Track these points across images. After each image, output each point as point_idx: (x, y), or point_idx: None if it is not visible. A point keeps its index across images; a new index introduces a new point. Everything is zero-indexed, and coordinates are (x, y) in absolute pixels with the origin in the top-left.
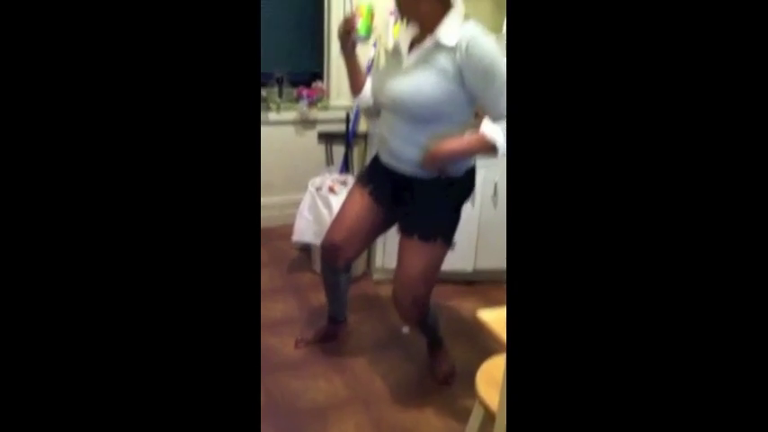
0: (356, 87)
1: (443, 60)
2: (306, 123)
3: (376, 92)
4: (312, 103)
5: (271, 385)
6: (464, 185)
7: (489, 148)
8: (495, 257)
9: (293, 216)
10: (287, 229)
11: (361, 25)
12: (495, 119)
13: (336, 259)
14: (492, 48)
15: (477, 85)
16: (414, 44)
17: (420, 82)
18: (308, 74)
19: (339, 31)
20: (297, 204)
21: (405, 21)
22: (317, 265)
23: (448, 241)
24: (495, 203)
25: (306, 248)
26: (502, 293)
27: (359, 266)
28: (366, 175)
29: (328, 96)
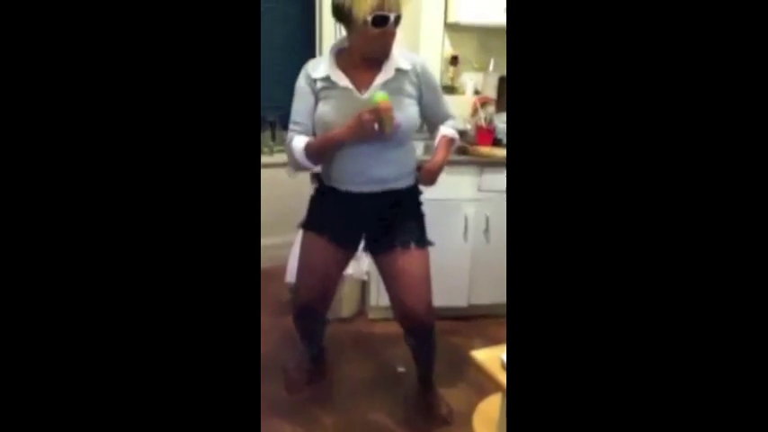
0: (324, 159)
1: (408, 86)
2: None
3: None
4: None
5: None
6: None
7: (453, 145)
8: (490, 292)
9: (285, 257)
10: (279, 271)
11: (386, 124)
12: (443, 121)
13: (309, 315)
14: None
15: (431, 100)
16: (357, 77)
17: (404, 110)
18: None
19: (371, 128)
20: (289, 245)
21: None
22: None
23: (428, 241)
24: (487, 238)
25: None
26: (497, 328)
27: (352, 307)
28: (317, 222)
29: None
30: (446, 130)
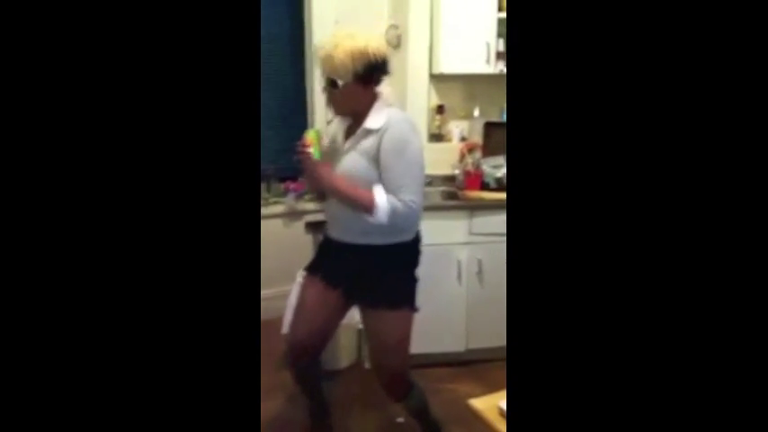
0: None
1: (368, 143)
2: (293, 215)
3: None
4: (299, 196)
5: None
6: (413, 250)
7: (368, 205)
8: (487, 336)
9: (282, 309)
10: (276, 323)
11: (314, 151)
12: (394, 192)
13: (303, 357)
14: (407, 132)
15: (385, 163)
16: (349, 133)
17: (352, 164)
18: (295, 169)
19: (295, 160)
20: (285, 297)
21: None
22: None
23: (412, 306)
24: (480, 281)
25: None
26: (497, 373)
27: (349, 357)
28: (313, 264)
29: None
30: (378, 190)
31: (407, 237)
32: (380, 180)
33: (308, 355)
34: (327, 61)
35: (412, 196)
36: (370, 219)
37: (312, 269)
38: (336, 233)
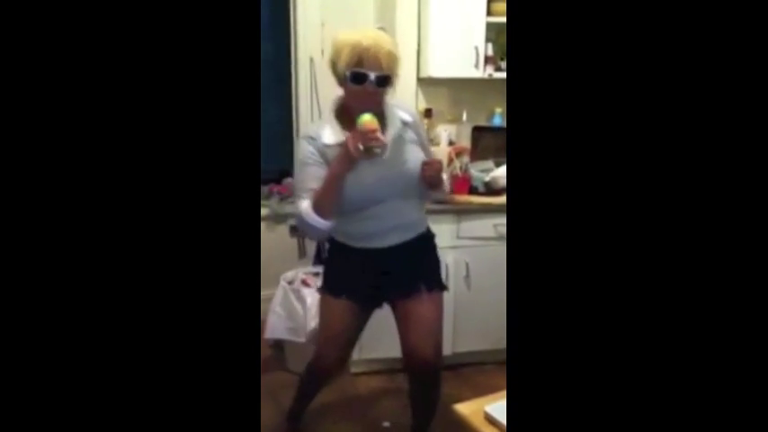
0: (333, 209)
1: (409, 134)
2: (277, 218)
3: (357, 193)
4: (283, 199)
5: None
6: (432, 232)
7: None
8: (474, 339)
9: (265, 313)
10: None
11: (372, 146)
12: None
13: (333, 375)
14: None
15: (426, 146)
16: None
17: (416, 154)
18: (278, 171)
19: (355, 149)
20: (268, 301)
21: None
22: (291, 364)
23: (445, 286)
24: (468, 284)
25: (278, 345)
26: (484, 377)
27: None
28: (333, 284)
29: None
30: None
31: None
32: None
33: (338, 373)
34: (388, 57)
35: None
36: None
37: (330, 290)
38: (387, 241)
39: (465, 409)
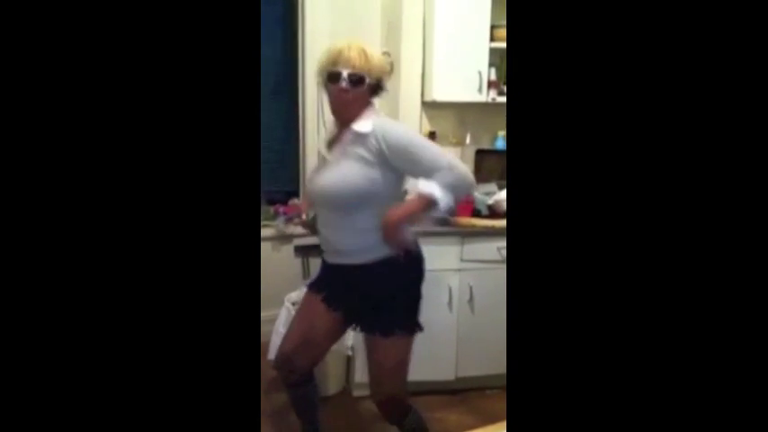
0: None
1: (361, 149)
2: (282, 239)
3: (309, 192)
4: (289, 220)
5: None
6: (408, 269)
7: (430, 204)
8: (478, 364)
9: (268, 334)
10: (263, 348)
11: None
12: (429, 175)
13: (290, 372)
14: (403, 128)
15: (404, 159)
16: (334, 142)
17: (343, 172)
18: (284, 192)
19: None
20: (272, 321)
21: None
22: None
23: (410, 329)
24: (472, 308)
25: None
26: (488, 402)
27: (336, 384)
28: (317, 281)
29: (306, 213)
30: (424, 186)
31: (390, 251)
32: (414, 176)
33: (294, 371)
34: (361, 57)
35: (444, 162)
36: (441, 211)
37: (315, 286)
38: (332, 258)
39: None
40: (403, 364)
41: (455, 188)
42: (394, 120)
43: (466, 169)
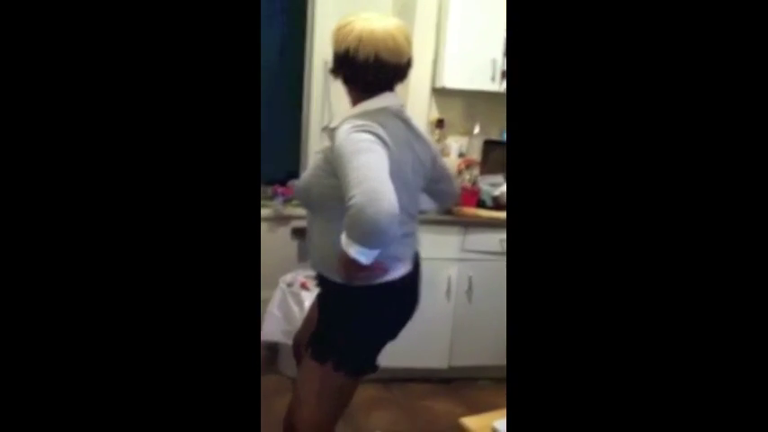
0: None
1: (328, 152)
2: (279, 220)
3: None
4: (287, 201)
5: None
6: (375, 301)
7: (351, 259)
8: (472, 354)
9: (262, 315)
10: None
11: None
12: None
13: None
14: (349, 138)
15: (334, 165)
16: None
17: (306, 176)
18: (284, 172)
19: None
20: (266, 303)
21: None
22: (283, 366)
23: (345, 367)
24: (469, 298)
25: (272, 348)
26: (478, 393)
27: None
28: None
29: None
30: (342, 240)
31: (369, 280)
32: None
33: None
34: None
35: (351, 192)
36: (363, 260)
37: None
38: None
39: (472, 423)
40: (328, 399)
41: (351, 229)
42: (359, 128)
43: (371, 198)
